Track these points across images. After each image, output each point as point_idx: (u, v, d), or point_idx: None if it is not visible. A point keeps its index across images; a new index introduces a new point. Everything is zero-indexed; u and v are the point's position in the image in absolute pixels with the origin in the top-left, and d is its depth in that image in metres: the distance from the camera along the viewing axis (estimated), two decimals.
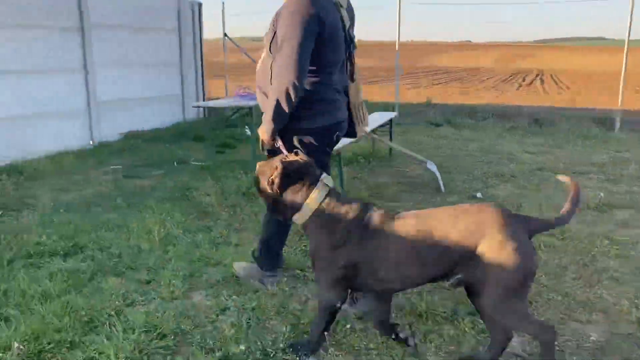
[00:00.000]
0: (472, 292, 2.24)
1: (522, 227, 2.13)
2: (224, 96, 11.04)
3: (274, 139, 2.76)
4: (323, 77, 2.75)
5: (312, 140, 2.82)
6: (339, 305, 2.40)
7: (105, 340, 2.65)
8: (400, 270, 2.27)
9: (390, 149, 6.65)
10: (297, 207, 2.38)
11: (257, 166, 2.55)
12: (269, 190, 2.41)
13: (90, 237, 3.93)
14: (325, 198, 2.36)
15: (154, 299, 3.14)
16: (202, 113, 10.65)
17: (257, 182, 2.52)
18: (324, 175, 2.44)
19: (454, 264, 2.17)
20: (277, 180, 2.37)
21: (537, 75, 37.27)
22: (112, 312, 2.94)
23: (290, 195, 2.39)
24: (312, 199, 2.36)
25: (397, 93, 10.03)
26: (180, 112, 10.15)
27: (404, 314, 2.94)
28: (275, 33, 2.65)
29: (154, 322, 2.83)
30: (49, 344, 2.63)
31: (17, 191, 5.30)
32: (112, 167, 6.50)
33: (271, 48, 2.70)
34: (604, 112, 9.80)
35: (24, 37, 6.93)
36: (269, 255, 3.21)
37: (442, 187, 5.19)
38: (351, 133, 3.12)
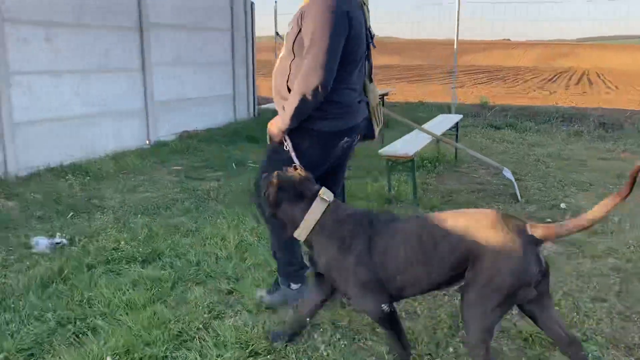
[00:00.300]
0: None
1: (527, 237, 2.00)
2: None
3: (283, 136, 2.65)
4: (342, 76, 2.60)
5: (319, 143, 2.70)
6: (386, 307, 2.25)
7: (198, 357, 2.53)
8: (410, 274, 2.18)
9: (456, 153, 6.42)
10: (295, 223, 2.34)
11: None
12: (265, 204, 2.39)
13: (166, 243, 3.85)
14: (325, 211, 2.30)
15: (240, 311, 3.01)
16: (253, 113, 10.59)
17: (254, 197, 2.53)
18: (323, 189, 2.37)
19: (460, 268, 2.09)
20: (272, 195, 2.35)
21: (582, 74, 36.27)
22: (200, 325, 2.83)
23: (287, 211, 2.37)
24: (311, 214, 2.31)
25: (454, 94, 9.73)
26: (231, 112, 10.11)
27: (509, 336, 2.74)
28: (300, 31, 2.55)
29: (244, 337, 2.70)
30: (140, 359, 2.53)
31: (85, 192, 5.28)
32: (173, 167, 6.45)
33: (294, 47, 2.59)
34: None
35: (85, 37, 6.95)
36: (281, 268, 3.00)
37: (519, 196, 4.94)
38: (369, 135, 2.99)
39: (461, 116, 6.78)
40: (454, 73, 9.81)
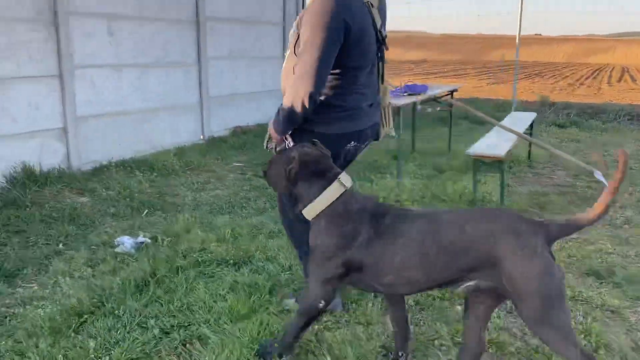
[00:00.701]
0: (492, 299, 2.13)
1: (541, 234, 1.95)
2: None
3: (283, 139, 2.57)
4: (346, 81, 2.54)
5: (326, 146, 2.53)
6: (322, 305, 2.25)
7: None
8: (406, 275, 2.12)
9: (529, 154, 6.14)
10: (309, 200, 2.28)
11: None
12: (284, 180, 2.32)
13: (254, 245, 3.68)
14: (340, 196, 2.24)
15: (348, 322, 2.83)
16: None
17: (268, 170, 2.44)
18: (343, 173, 2.32)
19: (467, 270, 2.02)
20: (294, 170, 2.27)
21: (623, 71, 35.29)
22: (312, 337, 2.66)
23: (304, 188, 2.30)
24: (327, 195, 2.25)
25: (514, 91, 9.38)
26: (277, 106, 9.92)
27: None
28: (299, 35, 2.46)
29: (360, 351, 2.52)
30: None
31: (154, 188, 5.17)
32: (235, 164, 6.31)
33: (296, 50, 2.49)
34: None
35: (145, 31, 6.85)
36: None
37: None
38: (373, 136, 2.84)
39: (534, 114, 6.46)
40: (515, 68, 9.42)
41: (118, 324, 2.73)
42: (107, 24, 6.38)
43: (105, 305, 2.89)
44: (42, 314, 2.80)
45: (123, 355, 2.48)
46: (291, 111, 2.46)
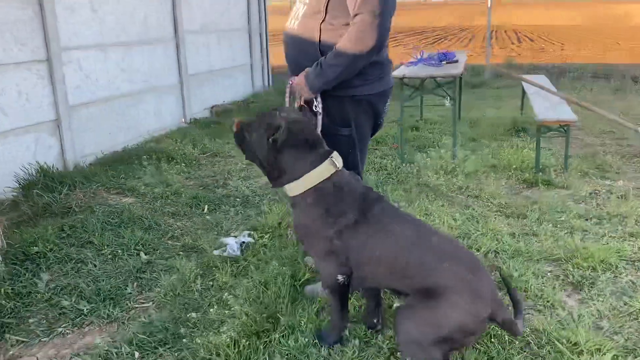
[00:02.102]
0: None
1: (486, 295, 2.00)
2: None
3: (315, 96, 2.39)
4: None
5: (365, 110, 2.52)
6: (341, 278, 2.18)
7: None
8: (375, 271, 2.14)
9: None
10: (293, 176, 2.14)
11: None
12: (265, 149, 2.13)
13: None
14: (330, 176, 2.13)
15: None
16: (267, 83, 9.97)
17: (246, 133, 2.22)
18: (335, 152, 2.20)
19: (416, 289, 2.07)
20: (281, 139, 2.09)
21: (516, 32, 37.26)
22: None
23: (290, 161, 2.15)
24: (317, 173, 2.13)
25: (488, 54, 9.54)
26: (250, 82, 9.45)
27: None
28: None
29: None
30: None
31: (192, 180, 4.69)
32: None
33: (329, 4, 2.31)
34: None
35: (125, 5, 6.13)
36: None
37: None
38: None
39: (544, 77, 6.58)
40: (487, 33, 9.56)
41: (306, 338, 2.41)
42: None
43: (280, 320, 2.53)
44: (211, 339, 2.40)
45: None
46: (351, 66, 2.27)
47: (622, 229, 3.54)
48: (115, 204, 4.02)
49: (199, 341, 2.40)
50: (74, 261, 3.22)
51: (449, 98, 5.06)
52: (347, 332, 2.44)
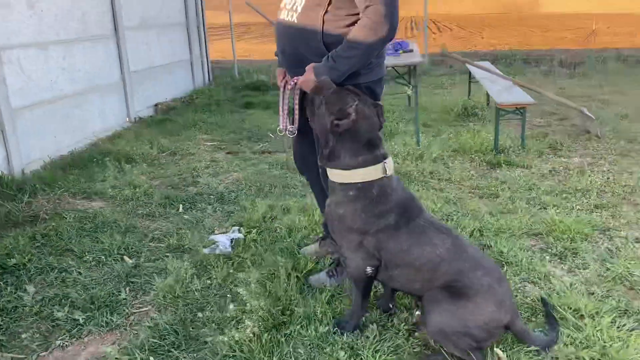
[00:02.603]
0: None
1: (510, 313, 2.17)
2: (232, 59, 10.22)
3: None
4: None
5: (367, 95, 2.56)
6: (369, 270, 2.28)
7: None
8: (405, 272, 2.26)
9: (488, 101, 6.55)
10: (341, 165, 2.21)
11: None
12: (326, 129, 2.19)
13: None
14: (376, 180, 2.21)
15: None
16: (208, 79, 9.79)
17: (319, 105, 2.23)
18: (390, 158, 2.27)
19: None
20: (344, 127, 2.15)
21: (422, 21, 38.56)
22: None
23: (345, 150, 2.20)
24: (363, 173, 2.20)
25: (425, 44, 9.81)
26: (190, 79, 9.24)
27: None
28: None
29: None
30: None
31: (158, 180, 4.53)
32: (207, 143, 5.78)
33: None
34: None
35: (63, 0, 5.81)
36: None
37: (599, 132, 5.23)
38: None
39: (489, 63, 6.87)
40: (425, 22, 9.83)
41: (324, 327, 2.42)
42: None
43: (294, 312, 2.53)
44: (226, 338, 2.36)
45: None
46: (364, 57, 2.28)
47: (587, 202, 3.79)
48: (85, 209, 3.83)
49: (218, 339, 2.35)
50: (56, 270, 3.05)
51: (410, 86, 5.18)
52: (363, 319, 2.47)
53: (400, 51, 5.25)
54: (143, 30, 7.58)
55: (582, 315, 2.49)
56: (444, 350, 2.20)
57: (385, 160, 2.24)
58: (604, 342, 2.28)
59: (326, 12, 2.33)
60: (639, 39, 15.79)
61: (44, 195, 3.99)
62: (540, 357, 2.23)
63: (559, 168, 4.53)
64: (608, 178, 4.24)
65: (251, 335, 2.32)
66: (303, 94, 2.48)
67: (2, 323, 2.62)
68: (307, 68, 2.36)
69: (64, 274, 3.03)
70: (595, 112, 5.75)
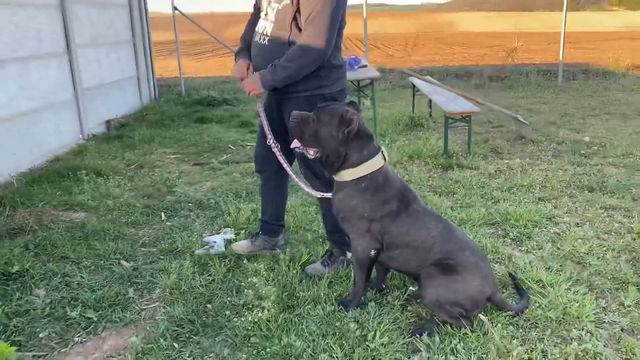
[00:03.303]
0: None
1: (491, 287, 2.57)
2: (178, 76, 10.32)
3: (260, 94, 2.88)
4: (339, 40, 2.85)
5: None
6: (373, 253, 2.61)
7: None
8: (404, 253, 2.60)
9: (430, 112, 7.10)
10: (352, 164, 2.53)
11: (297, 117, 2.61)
12: (336, 140, 2.50)
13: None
14: (381, 167, 2.57)
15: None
16: (154, 95, 9.87)
17: (317, 126, 2.53)
18: (383, 147, 2.64)
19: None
20: (353, 131, 2.47)
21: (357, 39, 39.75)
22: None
23: (355, 150, 2.52)
24: (372, 163, 2.54)
25: (367, 58, 10.32)
26: (138, 95, 9.29)
27: None
28: (298, 7, 2.67)
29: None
30: None
31: (134, 191, 4.67)
32: (170, 156, 5.93)
33: (292, 24, 2.71)
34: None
35: (19, 19, 5.83)
36: (339, 242, 3.21)
37: (533, 137, 5.87)
38: None
39: (430, 78, 7.45)
40: (365, 39, 10.36)
41: (330, 307, 2.73)
42: None
43: (300, 296, 2.82)
44: (250, 317, 2.63)
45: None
46: (297, 71, 2.69)
47: (532, 195, 4.32)
48: (71, 219, 3.94)
49: (239, 322, 2.60)
50: (59, 275, 3.17)
51: (368, 98, 5.59)
52: (363, 298, 2.79)
53: (356, 66, 5.67)
54: (93, 47, 7.62)
55: (543, 285, 2.93)
56: (437, 319, 2.57)
57: (381, 149, 2.62)
58: (565, 305, 2.71)
59: (290, 35, 2.73)
60: (551, 55, 17.22)
61: (25, 208, 4.04)
62: (514, 320, 2.63)
63: (503, 168, 5.08)
64: (546, 175, 4.82)
65: (269, 315, 2.58)
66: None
67: (18, 325, 2.73)
68: (248, 78, 2.83)
69: (67, 278, 3.16)
70: (526, 119, 6.41)
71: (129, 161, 5.55)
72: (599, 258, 3.26)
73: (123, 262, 3.38)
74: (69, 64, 6.89)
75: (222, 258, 3.37)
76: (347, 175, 2.58)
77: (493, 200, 4.23)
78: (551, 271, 3.11)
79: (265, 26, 2.84)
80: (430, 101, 7.08)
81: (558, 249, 3.41)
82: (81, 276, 3.18)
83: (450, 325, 2.54)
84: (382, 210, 2.56)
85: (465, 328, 2.50)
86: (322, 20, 2.62)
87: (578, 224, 3.81)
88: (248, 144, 6.33)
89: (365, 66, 5.76)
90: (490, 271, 2.62)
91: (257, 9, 2.99)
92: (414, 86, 7.31)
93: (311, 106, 2.72)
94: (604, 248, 3.39)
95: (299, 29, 2.70)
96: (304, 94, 2.84)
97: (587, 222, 3.82)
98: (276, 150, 2.95)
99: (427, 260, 2.58)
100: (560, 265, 3.21)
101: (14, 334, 2.67)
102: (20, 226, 3.81)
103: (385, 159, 2.62)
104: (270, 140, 2.95)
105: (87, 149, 6.11)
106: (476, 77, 10.90)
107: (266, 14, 2.84)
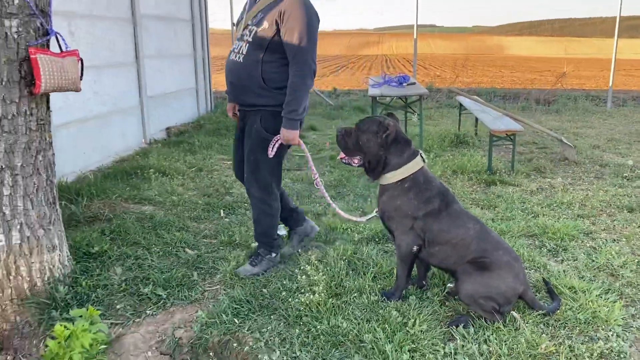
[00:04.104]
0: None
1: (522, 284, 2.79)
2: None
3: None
4: None
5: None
6: (415, 249, 2.86)
7: None
8: (444, 249, 2.83)
9: (476, 131, 7.30)
10: (393, 167, 2.82)
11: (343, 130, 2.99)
12: (377, 146, 2.81)
13: None
14: (421, 168, 2.86)
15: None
16: (210, 106, 10.40)
17: (358, 136, 2.87)
18: (421, 151, 2.94)
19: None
20: (392, 136, 2.77)
21: (387, 60, 40.07)
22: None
23: (396, 154, 2.83)
24: (414, 164, 2.83)
25: (414, 77, 10.66)
26: (196, 105, 9.84)
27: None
28: (277, 31, 2.99)
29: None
30: None
31: (195, 191, 5.07)
32: (227, 162, 6.33)
33: (270, 44, 3.02)
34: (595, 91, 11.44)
35: (95, 30, 6.39)
36: (264, 241, 3.50)
37: (576, 159, 6.00)
38: None
39: (477, 97, 7.69)
40: (414, 59, 10.67)
41: (374, 297, 3.00)
42: (66, 22, 5.85)
43: (347, 285, 3.11)
44: (302, 299, 2.93)
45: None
46: (306, 90, 3.04)
47: (571, 212, 4.49)
48: (140, 211, 4.35)
49: (291, 303, 2.91)
50: (132, 258, 3.55)
51: (416, 115, 5.88)
52: (405, 292, 3.06)
53: (405, 84, 5.97)
54: (158, 59, 8.18)
55: (575, 292, 3.12)
56: (472, 313, 2.81)
57: (420, 152, 2.92)
58: (594, 309, 2.91)
59: (264, 54, 3.06)
60: (602, 81, 17.08)
61: (99, 200, 4.48)
62: (545, 319, 2.84)
63: (544, 186, 5.25)
64: (587, 194, 4.97)
65: (319, 299, 2.89)
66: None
67: (100, 297, 3.11)
68: (281, 132, 3.09)
69: (139, 260, 3.54)
70: (571, 142, 6.55)
71: (189, 164, 5.97)
72: (632, 271, 3.42)
73: (188, 250, 3.75)
74: (137, 73, 7.44)
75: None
76: (390, 177, 2.87)
77: (533, 215, 4.42)
78: (584, 280, 3.29)
79: (241, 46, 3.14)
80: (476, 120, 7.29)
81: (592, 261, 3.59)
82: (151, 260, 3.56)
83: (484, 319, 2.77)
84: (425, 208, 2.83)
85: (498, 322, 2.73)
86: (310, 50, 2.97)
87: (615, 240, 3.97)
88: (297, 154, 6.68)
89: (413, 83, 6.04)
90: (522, 270, 2.84)
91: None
92: (460, 105, 7.54)
93: (276, 119, 3.09)
94: (639, 263, 3.55)
95: (272, 50, 3.03)
96: (270, 109, 3.14)
97: (624, 239, 3.97)
98: (321, 186, 3.33)
99: (464, 258, 2.83)
100: (593, 276, 3.38)
101: (95, 304, 3.04)
102: (96, 215, 4.24)
103: (424, 160, 2.91)
104: (316, 176, 3.32)
105: (150, 151, 6.58)
106: (522, 99, 11.01)
107: (242, 36, 3.14)
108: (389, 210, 2.93)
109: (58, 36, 2.90)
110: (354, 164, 2.97)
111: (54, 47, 2.96)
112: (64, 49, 2.92)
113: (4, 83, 2.70)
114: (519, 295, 2.81)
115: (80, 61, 2.97)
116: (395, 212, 2.89)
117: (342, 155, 3.01)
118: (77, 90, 2.94)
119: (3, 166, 2.76)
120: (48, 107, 3.06)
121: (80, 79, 2.99)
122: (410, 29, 10.03)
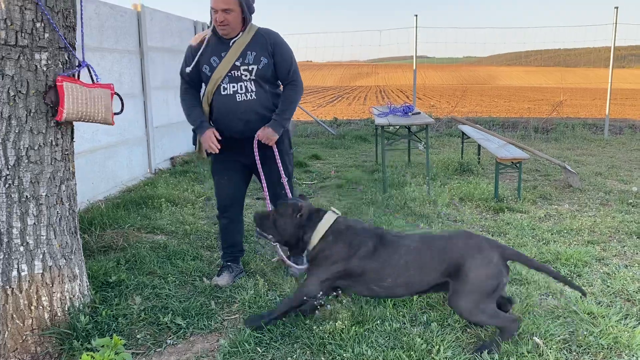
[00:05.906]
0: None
1: (497, 252, 2.82)
2: None
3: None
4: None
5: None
6: (318, 297, 2.95)
7: None
8: (405, 279, 2.87)
9: (479, 158, 7.39)
10: (312, 231, 3.01)
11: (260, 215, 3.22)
12: (293, 227, 3.04)
13: None
14: (337, 219, 3.02)
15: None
16: None
17: (276, 222, 3.09)
18: (332, 208, 3.13)
19: (445, 274, 2.85)
20: (305, 215, 3.04)
21: (381, 91, 40.54)
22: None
23: (309, 224, 3.03)
24: (326, 220, 3.01)
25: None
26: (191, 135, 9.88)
27: None
28: (274, 63, 3.46)
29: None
30: None
31: (207, 220, 5.08)
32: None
33: (270, 76, 3.49)
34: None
35: (105, 62, 6.49)
36: (228, 254, 3.87)
37: (580, 186, 6.07)
38: None
39: (480, 126, 7.80)
40: (414, 89, 10.85)
41: (396, 324, 3.01)
42: (79, 55, 5.92)
43: (368, 313, 3.11)
44: (327, 327, 2.93)
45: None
46: (297, 103, 3.58)
47: (581, 238, 4.53)
48: (154, 241, 4.35)
49: (315, 331, 2.91)
50: (149, 287, 3.55)
51: (422, 143, 5.96)
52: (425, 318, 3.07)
53: (410, 113, 6.06)
54: (164, 90, 8.28)
55: (595, 317, 3.14)
56: (497, 339, 2.81)
57: (330, 208, 3.12)
58: (615, 334, 2.92)
59: (268, 86, 3.51)
60: (595, 110, 17.35)
61: (112, 230, 4.49)
62: (567, 345, 2.85)
63: (552, 213, 5.30)
64: (595, 221, 5.02)
65: (342, 326, 2.89)
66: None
67: (120, 326, 3.10)
68: (265, 130, 3.45)
69: (156, 290, 3.54)
70: (574, 169, 6.64)
71: (198, 193, 6.00)
72: None
73: (204, 279, 3.75)
74: (143, 104, 7.52)
75: (294, 279, 3.69)
76: (313, 241, 2.99)
77: (544, 242, 4.45)
78: (601, 305, 3.31)
79: (243, 85, 3.43)
80: (479, 148, 7.38)
81: (608, 286, 3.62)
82: (168, 289, 3.56)
83: (508, 342, 2.78)
84: (357, 253, 2.92)
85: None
86: (296, 67, 3.52)
87: (627, 265, 4.01)
88: (304, 182, 6.72)
89: (418, 113, 6.14)
90: (494, 253, 2.81)
91: (192, 81, 3.85)
92: (462, 134, 7.64)
93: (285, 134, 3.63)
94: None
95: (270, 80, 3.49)
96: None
97: (636, 265, 4.01)
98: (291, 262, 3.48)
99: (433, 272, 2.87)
100: (610, 301, 3.41)
101: (115, 333, 3.03)
102: (109, 244, 4.24)
103: (335, 212, 3.07)
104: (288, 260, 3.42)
105: (157, 181, 6.61)
106: (521, 128, 11.16)
107: (239, 77, 3.40)
108: (323, 263, 2.98)
109: (90, 68, 2.96)
110: (268, 238, 3.17)
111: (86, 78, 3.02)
112: (94, 80, 2.97)
113: (31, 114, 2.75)
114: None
115: (115, 95, 3.03)
116: (318, 260, 2.98)
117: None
118: (108, 123, 2.99)
119: (28, 196, 2.78)
120: (72, 138, 3.09)
121: (119, 113, 3.04)
122: (402, 60, 10.33)
